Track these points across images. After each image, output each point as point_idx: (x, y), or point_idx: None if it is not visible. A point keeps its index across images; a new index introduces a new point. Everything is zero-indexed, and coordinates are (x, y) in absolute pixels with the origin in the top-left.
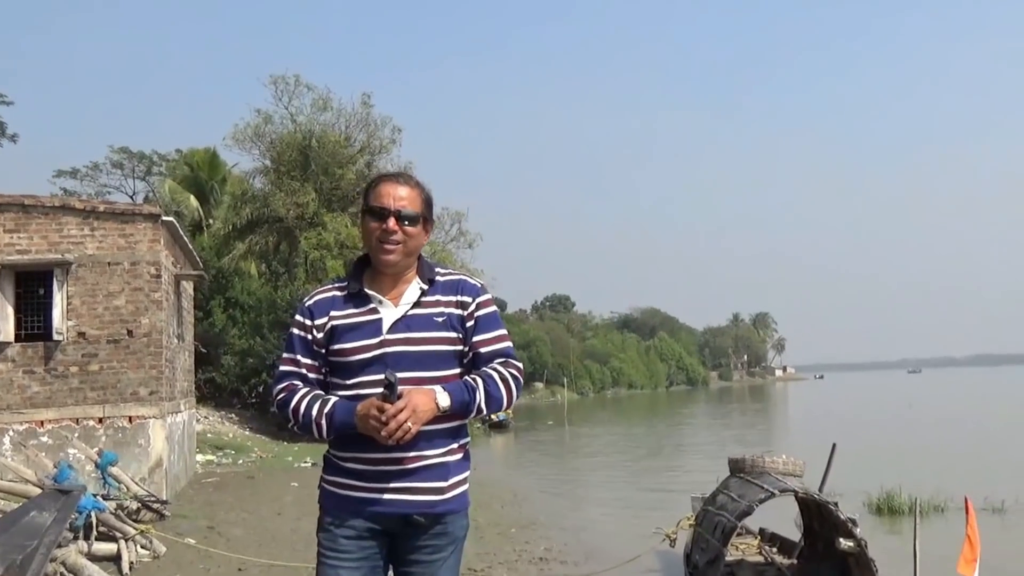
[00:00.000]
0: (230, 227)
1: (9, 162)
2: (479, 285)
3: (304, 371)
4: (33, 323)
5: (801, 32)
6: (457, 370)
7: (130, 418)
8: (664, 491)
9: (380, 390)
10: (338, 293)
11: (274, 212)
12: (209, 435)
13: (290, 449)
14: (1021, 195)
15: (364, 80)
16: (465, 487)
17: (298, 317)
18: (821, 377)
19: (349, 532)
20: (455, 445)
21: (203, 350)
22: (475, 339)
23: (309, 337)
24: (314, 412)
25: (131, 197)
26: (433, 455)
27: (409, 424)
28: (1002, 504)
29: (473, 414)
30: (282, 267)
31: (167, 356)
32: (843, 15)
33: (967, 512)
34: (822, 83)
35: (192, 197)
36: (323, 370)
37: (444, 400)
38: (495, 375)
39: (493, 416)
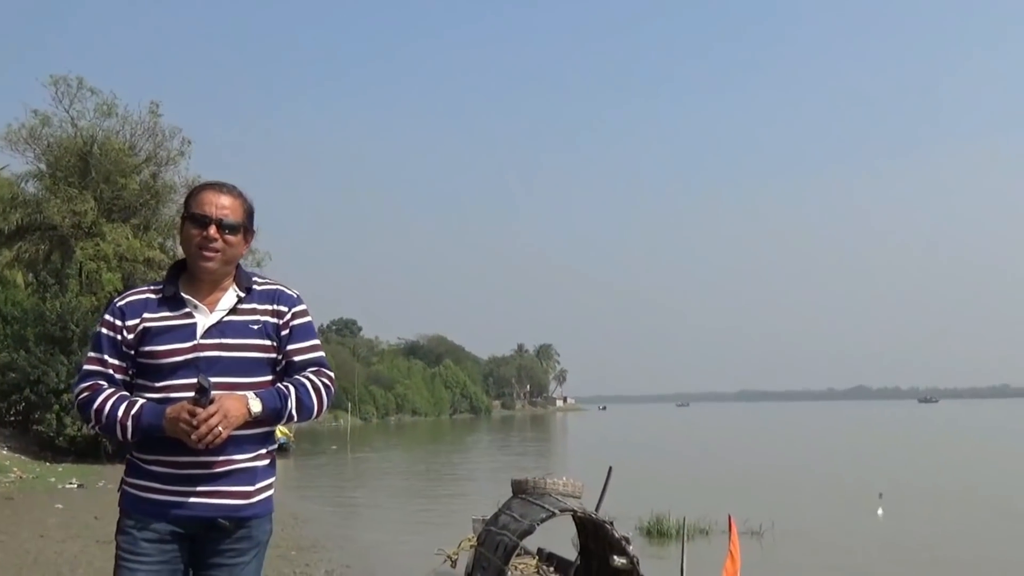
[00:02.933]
0: None
1: None
2: (295, 295)
3: (110, 371)
4: None
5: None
6: (269, 377)
7: None
8: (446, 514)
9: (190, 394)
10: (152, 296)
11: (48, 219)
12: None
13: (54, 470)
14: (783, 245)
15: (152, 88)
16: (271, 492)
17: (107, 317)
18: (604, 408)
19: (150, 535)
20: (263, 451)
21: None
22: (289, 347)
23: (118, 338)
24: (119, 413)
25: None
26: (241, 460)
27: (220, 428)
28: (760, 528)
29: (284, 420)
30: (52, 278)
31: None
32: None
33: (730, 530)
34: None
35: None
36: (130, 372)
37: (256, 406)
38: (307, 383)
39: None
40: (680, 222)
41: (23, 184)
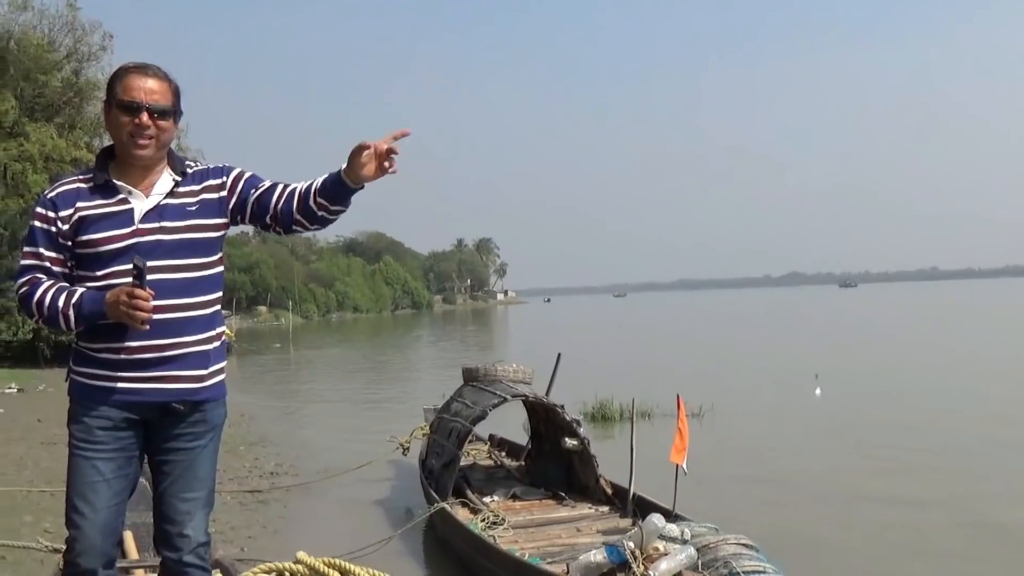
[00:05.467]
0: None
1: None
2: (226, 165)
3: (48, 264)
4: None
5: None
6: (215, 257)
7: None
8: (394, 406)
9: (132, 280)
10: (83, 185)
11: None
12: None
13: None
14: (713, 137)
15: None
16: (223, 376)
17: (39, 210)
18: (548, 300)
19: (104, 423)
20: (213, 332)
21: None
22: (251, 191)
23: (53, 230)
24: (60, 303)
25: None
26: (192, 342)
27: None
28: (700, 410)
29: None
30: None
31: None
32: None
33: (679, 408)
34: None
35: None
36: (68, 264)
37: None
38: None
39: None
40: (615, 113)
41: None
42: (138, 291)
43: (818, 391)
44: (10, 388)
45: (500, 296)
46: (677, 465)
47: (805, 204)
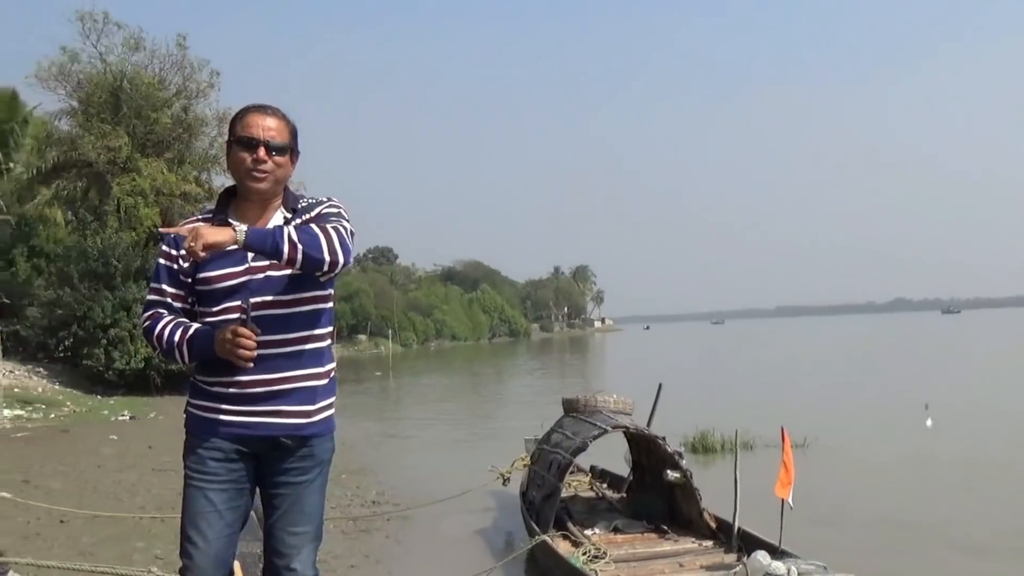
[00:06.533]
0: (33, 172)
1: None
2: (325, 199)
3: (169, 300)
4: None
5: None
6: (324, 292)
7: None
8: (493, 436)
9: (239, 319)
10: (203, 221)
11: (83, 156)
12: (16, 390)
13: (105, 403)
14: (820, 158)
15: (179, 20)
16: (331, 411)
17: (163, 247)
18: (648, 328)
19: (216, 455)
20: (321, 369)
21: (6, 301)
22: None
23: (175, 266)
24: (176, 339)
25: None
26: (301, 377)
27: (193, 244)
28: (804, 441)
29: (285, 255)
30: (91, 215)
31: None
32: None
33: (783, 441)
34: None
35: None
36: (189, 299)
37: (240, 235)
38: (312, 225)
39: None
40: (714, 138)
41: (57, 122)
42: (242, 330)
43: (929, 422)
44: (123, 415)
45: (597, 323)
46: (783, 499)
47: (911, 230)
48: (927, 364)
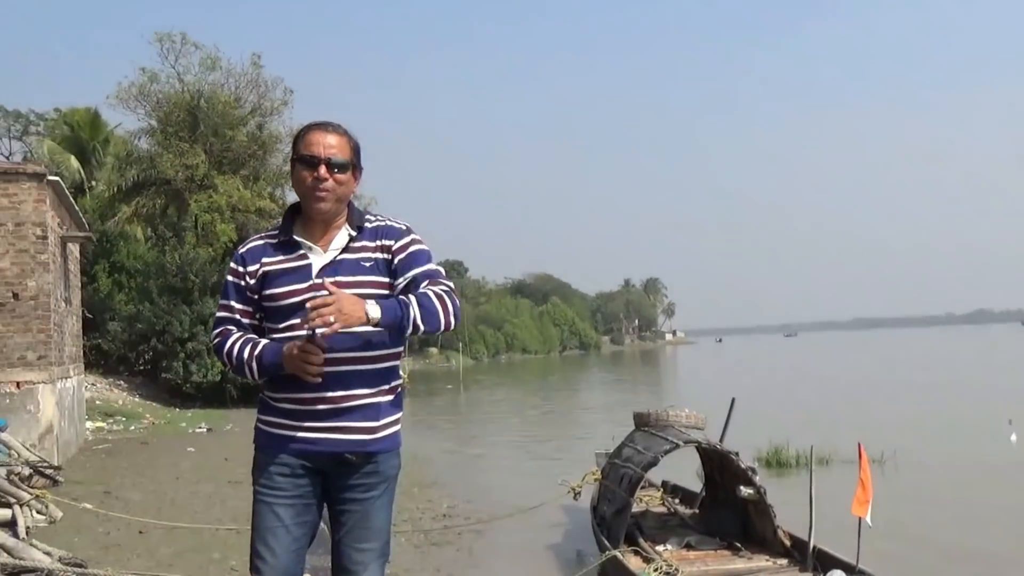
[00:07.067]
0: (114, 189)
1: None
2: (403, 227)
3: (238, 316)
4: None
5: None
6: None
7: (18, 383)
8: (564, 449)
9: (305, 336)
10: (270, 241)
11: (161, 174)
12: (98, 402)
13: (183, 415)
14: (900, 167)
15: (253, 38)
16: (397, 428)
17: (232, 265)
18: (720, 340)
19: (284, 470)
20: (386, 386)
21: (89, 315)
22: (402, 277)
23: (242, 283)
24: (245, 354)
25: (7, 157)
26: (365, 395)
27: (331, 318)
28: (882, 456)
29: (410, 330)
30: (170, 231)
31: (55, 320)
32: None
33: (860, 458)
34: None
35: (73, 158)
36: (258, 316)
37: (374, 311)
38: (429, 292)
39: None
40: (792, 145)
41: (137, 141)
42: (309, 346)
43: (1013, 437)
44: (200, 428)
45: (668, 336)
46: (860, 518)
47: (994, 238)
48: (1010, 377)
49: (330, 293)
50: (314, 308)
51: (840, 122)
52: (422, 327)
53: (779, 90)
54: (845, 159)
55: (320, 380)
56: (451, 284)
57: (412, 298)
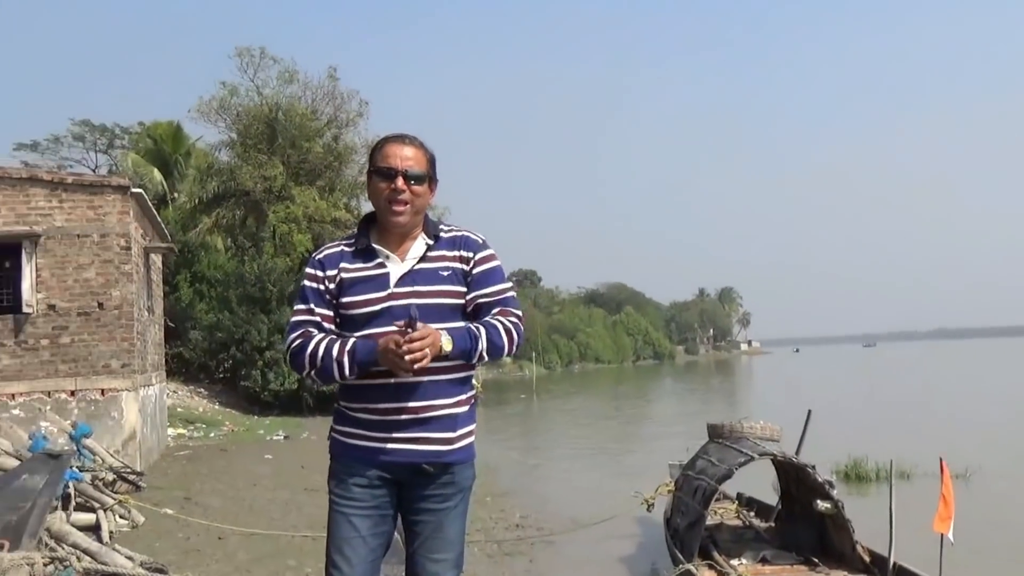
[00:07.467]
0: (196, 201)
1: None
2: (481, 240)
3: (319, 319)
4: (2, 296)
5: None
6: (460, 324)
7: (102, 391)
8: (637, 460)
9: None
10: (346, 248)
11: (241, 185)
12: (179, 409)
13: (261, 423)
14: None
15: (332, 51)
16: (472, 439)
17: (310, 270)
18: (797, 350)
19: (360, 480)
20: (463, 397)
21: (171, 324)
22: (476, 292)
23: (322, 288)
24: (334, 351)
25: (93, 170)
26: (442, 405)
27: (427, 351)
28: (967, 471)
29: (475, 360)
30: (249, 241)
31: (138, 329)
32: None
33: (942, 472)
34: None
35: (156, 170)
36: (335, 321)
37: (447, 344)
38: (498, 324)
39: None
40: (871, 149)
41: (217, 153)
42: (399, 339)
43: None
44: (278, 435)
45: (743, 346)
46: (942, 534)
47: None
48: None
49: (411, 326)
50: (410, 342)
51: (923, 124)
52: (486, 358)
53: (860, 102)
54: (925, 162)
55: (416, 373)
56: (520, 313)
57: (482, 331)
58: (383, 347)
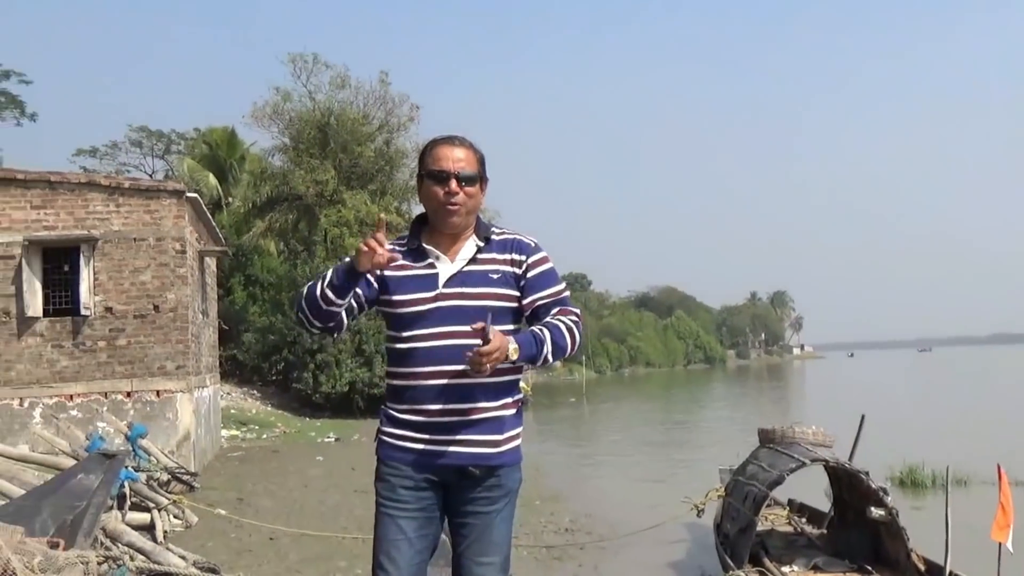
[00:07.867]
0: (249, 205)
1: (29, 141)
2: (532, 243)
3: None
4: (60, 298)
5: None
6: (510, 326)
7: (158, 392)
8: (687, 465)
9: (434, 344)
10: (398, 248)
11: (293, 190)
12: (232, 411)
13: (313, 425)
14: None
15: (382, 53)
16: (519, 441)
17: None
18: (852, 355)
19: (407, 483)
20: (510, 400)
21: (224, 327)
22: (534, 295)
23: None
24: (322, 275)
25: (150, 175)
26: (490, 408)
27: (497, 355)
28: None
29: (540, 363)
30: (301, 245)
31: (193, 331)
32: None
33: (1000, 480)
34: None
35: (211, 175)
36: (364, 299)
37: (513, 354)
38: (559, 324)
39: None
40: (929, 155)
41: (270, 158)
42: (480, 348)
43: None
44: (329, 437)
45: (796, 351)
46: (1000, 543)
47: None
48: None
49: (484, 333)
50: (483, 355)
51: (983, 124)
52: (551, 360)
53: (912, 105)
54: (983, 166)
55: (489, 371)
56: (578, 311)
57: (546, 333)
58: (357, 247)
